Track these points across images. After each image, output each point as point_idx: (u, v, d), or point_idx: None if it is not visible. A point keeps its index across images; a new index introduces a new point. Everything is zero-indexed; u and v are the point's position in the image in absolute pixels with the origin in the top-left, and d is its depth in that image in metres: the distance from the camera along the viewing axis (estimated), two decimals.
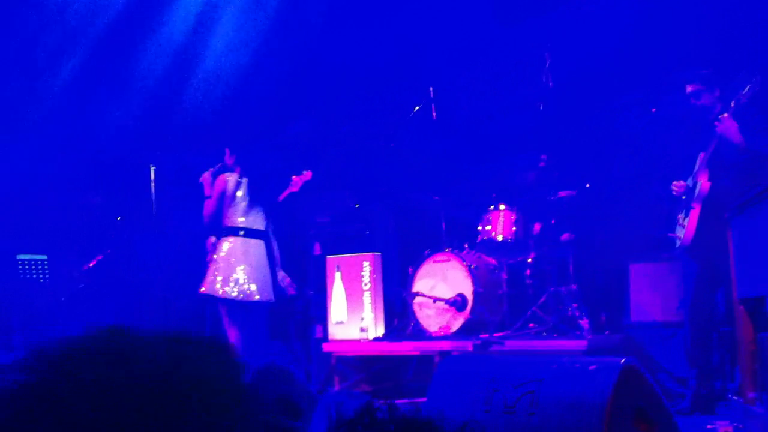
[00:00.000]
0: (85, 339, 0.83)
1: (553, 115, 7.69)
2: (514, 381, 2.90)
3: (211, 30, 9.06)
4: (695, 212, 5.65)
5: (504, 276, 7.22)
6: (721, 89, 5.70)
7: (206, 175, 6.89)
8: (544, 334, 6.70)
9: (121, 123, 9.19)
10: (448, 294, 7.14)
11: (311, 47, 8.92)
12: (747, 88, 5.36)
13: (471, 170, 8.30)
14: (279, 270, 6.96)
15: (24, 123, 9.18)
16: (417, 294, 7.30)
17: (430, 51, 8.75)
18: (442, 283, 7.23)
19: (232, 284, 6.63)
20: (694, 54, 6.44)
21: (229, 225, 6.83)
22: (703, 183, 5.61)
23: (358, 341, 7.52)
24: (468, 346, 6.61)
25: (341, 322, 7.75)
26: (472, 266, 7.11)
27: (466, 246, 7.45)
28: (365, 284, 7.68)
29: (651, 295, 6.78)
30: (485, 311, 7.02)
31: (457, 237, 7.63)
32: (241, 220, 6.80)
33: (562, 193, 7.09)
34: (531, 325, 6.90)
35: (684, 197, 5.80)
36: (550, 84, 7.66)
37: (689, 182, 5.78)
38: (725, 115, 5.48)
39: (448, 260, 7.25)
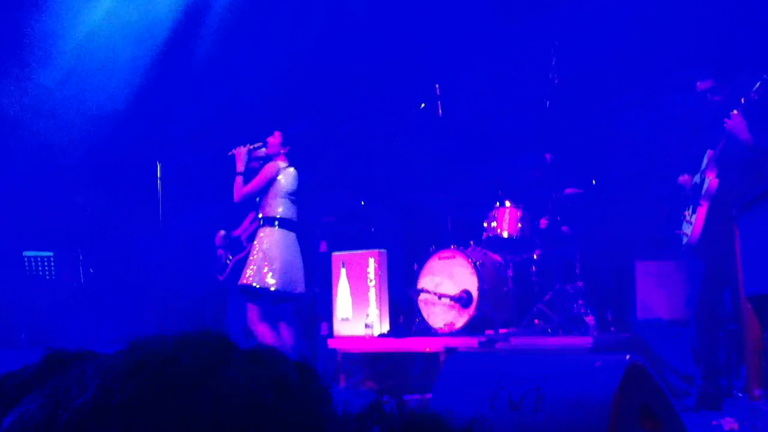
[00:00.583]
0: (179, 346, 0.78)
1: (556, 114, 7.68)
2: (519, 378, 2.90)
3: (210, 30, 9.07)
4: (703, 209, 5.64)
5: (509, 273, 7.21)
6: (731, 85, 5.68)
7: (241, 150, 6.68)
8: (550, 331, 6.70)
9: (122, 123, 9.21)
10: (454, 291, 7.14)
11: (312, 47, 8.92)
12: (758, 85, 5.34)
13: (475, 168, 8.30)
14: None
15: (26, 122, 9.21)
16: (422, 291, 7.30)
17: (433, 51, 8.74)
18: (447, 279, 7.23)
19: (275, 276, 6.46)
20: (694, 54, 6.42)
21: (271, 215, 6.62)
22: (711, 180, 5.60)
23: (363, 338, 7.53)
24: (473, 342, 6.61)
25: (346, 319, 7.76)
26: (478, 263, 7.11)
27: (472, 243, 7.45)
28: (370, 281, 7.69)
29: (657, 293, 6.77)
30: (491, 308, 7.02)
31: (463, 234, 7.63)
32: (280, 210, 6.63)
33: (568, 191, 7.09)
34: (536, 322, 6.90)
35: (691, 194, 5.79)
36: (556, 81, 7.67)
37: (696, 179, 5.77)
38: (735, 112, 5.46)
39: (454, 257, 7.25)
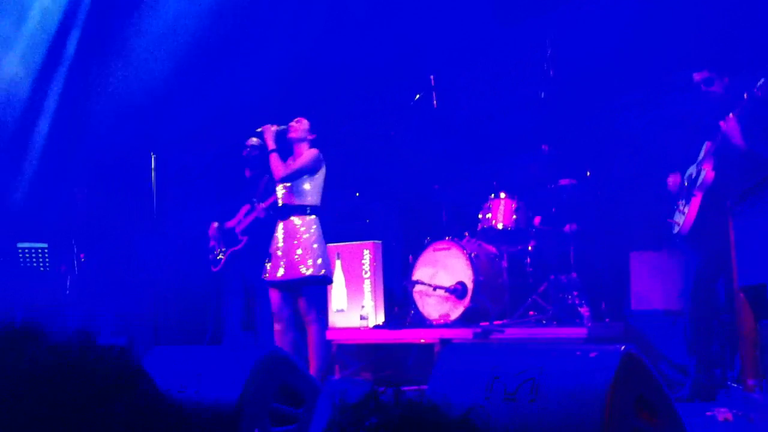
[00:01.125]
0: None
1: (554, 112, 7.69)
2: (515, 369, 2.91)
3: (209, 30, 9.06)
4: (696, 200, 5.65)
5: (504, 264, 7.22)
6: (731, 77, 5.67)
7: (269, 128, 6.49)
8: (544, 322, 6.71)
9: (121, 121, 9.19)
10: (449, 282, 7.15)
11: (312, 46, 8.92)
12: (761, 82, 5.32)
13: (471, 161, 8.30)
14: None
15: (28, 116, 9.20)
16: (417, 282, 7.31)
17: (431, 48, 8.74)
18: (442, 271, 7.23)
19: (326, 262, 6.40)
20: (694, 54, 6.42)
21: (310, 203, 6.46)
22: (707, 172, 5.61)
23: (358, 329, 7.54)
24: (468, 334, 6.62)
25: (341, 311, 7.76)
26: (473, 254, 7.12)
27: (467, 234, 7.46)
28: (365, 272, 7.69)
29: (651, 284, 6.79)
30: (486, 299, 7.03)
31: (458, 225, 7.63)
32: (316, 198, 6.49)
33: (562, 182, 7.10)
34: (531, 313, 6.91)
35: (686, 185, 5.80)
36: (551, 73, 7.67)
37: (692, 170, 5.78)
38: (731, 115, 5.46)
39: (449, 248, 7.26)
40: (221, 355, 4.12)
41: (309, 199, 6.44)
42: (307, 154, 6.44)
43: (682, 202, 5.80)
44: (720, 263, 5.58)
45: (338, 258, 7.80)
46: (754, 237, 4.50)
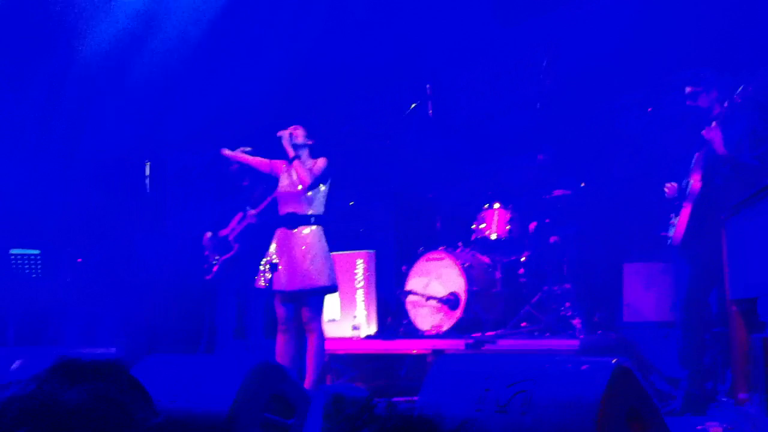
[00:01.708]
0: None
1: (552, 115, 7.71)
2: (507, 380, 2.91)
3: (208, 30, 9.06)
4: (686, 210, 5.67)
5: (498, 275, 7.22)
6: (719, 90, 5.70)
7: (286, 135, 6.37)
8: (537, 333, 6.72)
9: (120, 121, 9.18)
10: (442, 292, 7.15)
11: (311, 47, 8.93)
12: (741, 89, 5.38)
13: (467, 169, 8.31)
14: None
15: (20, 119, 9.17)
16: (410, 292, 7.30)
17: (430, 50, 8.75)
18: (435, 281, 7.23)
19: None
20: (694, 54, 6.44)
21: (316, 213, 6.37)
22: (694, 183, 5.63)
23: (350, 339, 7.52)
24: (461, 345, 6.61)
25: (334, 320, 7.75)
26: (466, 265, 7.12)
27: (460, 244, 7.46)
28: (358, 282, 7.68)
29: (644, 295, 6.79)
30: (479, 310, 7.03)
31: (452, 235, 7.63)
32: (321, 208, 6.42)
33: (557, 192, 7.11)
34: (524, 324, 6.91)
35: (677, 197, 5.82)
36: (547, 82, 7.69)
37: (684, 182, 5.80)
38: (713, 124, 5.50)
39: (442, 258, 7.26)
40: (213, 365, 4.11)
41: (316, 208, 6.40)
42: (320, 161, 6.39)
43: (673, 215, 5.82)
44: (712, 276, 5.59)
45: None
46: (746, 250, 4.52)
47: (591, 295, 7.13)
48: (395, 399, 5.93)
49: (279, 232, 6.40)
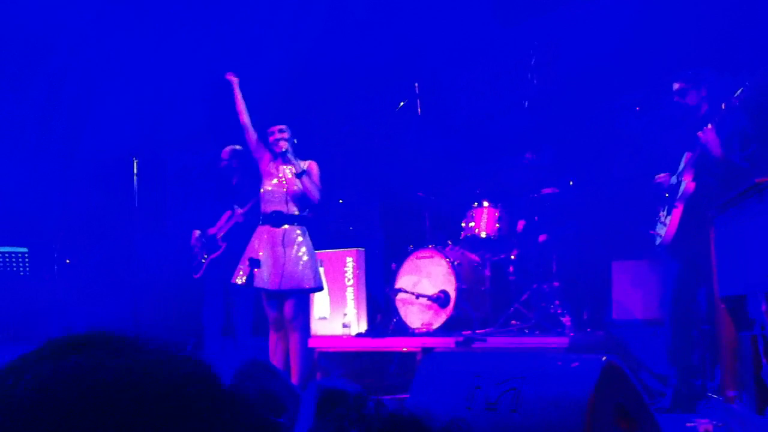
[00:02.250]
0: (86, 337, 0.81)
1: (539, 120, 7.72)
2: (497, 378, 2.91)
3: (208, 31, 9.06)
4: (678, 211, 5.68)
5: (487, 273, 7.23)
6: (708, 89, 5.70)
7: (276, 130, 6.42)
8: (527, 331, 6.73)
9: (119, 121, 9.16)
10: (431, 290, 7.15)
11: (307, 47, 8.93)
12: (740, 91, 5.37)
13: (457, 168, 8.32)
14: None
15: (20, 119, 9.14)
16: (400, 290, 7.30)
17: (423, 49, 8.75)
18: (425, 279, 7.23)
19: (319, 273, 6.45)
20: (694, 54, 6.44)
21: (305, 214, 6.45)
22: (687, 183, 5.64)
23: (340, 337, 7.52)
24: (450, 342, 6.62)
25: (324, 318, 7.74)
26: (456, 263, 7.12)
27: (450, 242, 7.46)
28: (348, 280, 7.67)
29: (633, 293, 6.81)
30: (468, 308, 7.03)
31: (441, 233, 7.64)
32: (306, 210, 6.50)
33: (545, 191, 7.12)
34: (513, 322, 6.92)
35: (667, 194, 5.82)
36: (535, 82, 7.70)
37: (673, 180, 5.81)
38: (709, 126, 5.50)
39: (432, 256, 7.26)
40: None
41: (302, 208, 6.40)
42: (316, 169, 6.44)
43: (663, 213, 5.83)
44: (701, 273, 5.61)
45: (321, 265, 7.77)
46: (734, 248, 4.53)
47: (580, 293, 7.15)
48: (384, 397, 5.94)
49: (262, 230, 6.40)
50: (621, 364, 2.88)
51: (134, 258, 8.49)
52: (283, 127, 6.47)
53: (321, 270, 7.69)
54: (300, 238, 6.31)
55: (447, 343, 6.66)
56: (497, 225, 7.19)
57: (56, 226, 9.23)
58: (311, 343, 7.54)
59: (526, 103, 7.88)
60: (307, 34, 8.89)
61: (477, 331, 6.75)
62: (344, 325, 7.55)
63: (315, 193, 6.33)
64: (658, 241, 5.85)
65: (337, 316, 7.66)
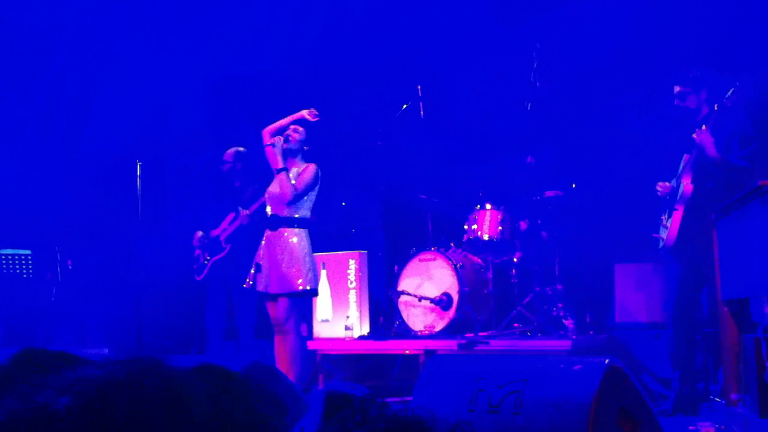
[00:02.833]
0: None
1: (542, 122, 7.72)
2: (499, 381, 2.91)
3: (208, 31, 9.07)
4: (678, 214, 5.67)
5: (490, 275, 7.23)
6: (709, 91, 5.70)
7: (280, 143, 6.30)
8: (529, 333, 6.72)
9: (119, 121, 9.18)
10: (434, 293, 7.15)
11: (310, 48, 8.94)
12: (731, 92, 5.39)
13: (459, 170, 8.31)
14: None
15: (20, 119, 9.16)
16: (402, 293, 7.30)
17: (425, 51, 8.75)
18: (427, 281, 7.23)
19: (314, 275, 6.34)
20: (694, 54, 6.44)
21: (300, 216, 6.34)
22: (686, 185, 5.63)
23: (343, 339, 7.52)
24: (453, 345, 6.62)
25: (326, 320, 7.74)
26: (458, 265, 7.12)
27: (452, 245, 7.46)
28: (351, 282, 7.68)
29: (635, 296, 6.80)
30: (471, 310, 7.03)
31: (444, 236, 7.64)
32: (306, 212, 6.38)
33: (548, 193, 7.11)
34: (516, 324, 6.91)
35: (668, 198, 5.82)
36: (537, 84, 7.70)
37: (673, 183, 5.81)
38: (703, 127, 5.51)
39: (434, 259, 7.26)
40: None
41: (301, 212, 6.39)
42: (308, 171, 6.34)
43: (664, 216, 5.83)
44: (703, 276, 5.61)
45: (324, 268, 7.78)
46: (737, 251, 4.53)
47: (582, 296, 7.15)
48: (388, 399, 5.94)
49: (265, 233, 6.42)
50: (623, 366, 2.88)
51: (135, 258, 8.50)
52: (301, 129, 6.44)
53: (323, 273, 7.70)
54: (293, 240, 6.30)
55: (450, 345, 6.66)
56: (500, 227, 7.18)
57: (58, 228, 9.25)
58: (314, 346, 7.54)
59: (529, 106, 7.89)
60: (308, 35, 8.90)
61: (480, 334, 6.76)
62: (347, 328, 7.55)
63: (287, 192, 6.27)
64: (661, 244, 5.85)
65: (339, 318, 7.66)
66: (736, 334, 4.73)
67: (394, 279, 7.45)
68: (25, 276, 8.70)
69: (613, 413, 2.78)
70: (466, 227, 7.31)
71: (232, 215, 7.68)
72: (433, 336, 7.03)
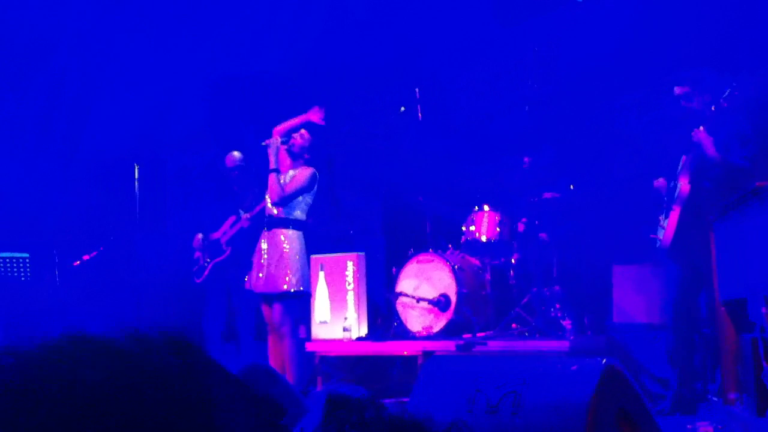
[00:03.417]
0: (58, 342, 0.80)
1: (547, 115, 7.72)
2: (497, 381, 2.92)
3: (208, 31, 9.07)
4: (675, 214, 5.68)
5: (488, 277, 7.24)
6: (712, 93, 5.69)
7: (277, 143, 6.36)
8: (527, 334, 6.73)
9: (119, 121, 9.17)
10: (432, 294, 7.16)
11: (310, 49, 8.95)
12: (727, 92, 5.39)
13: (457, 172, 8.31)
14: None
15: (20, 119, 9.15)
16: (400, 294, 7.31)
17: (426, 50, 8.76)
18: (425, 283, 7.24)
19: (305, 277, 6.41)
20: (694, 54, 6.44)
21: (294, 218, 6.40)
22: (683, 185, 5.64)
23: (341, 341, 7.52)
24: (451, 346, 6.62)
25: (325, 322, 7.74)
26: (456, 267, 7.13)
27: (450, 246, 7.47)
28: (349, 284, 7.68)
29: (634, 297, 6.81)
30: (469, 312, 7.04)
31: (442, 237, 7.64)
32: (300, 213, 6.44)
33: (546, 195, 7.12)
34: (514, 325, 6.92)
35: (665, 198, 5.83)
36: (534, 84, 7.70)
37: (672, 184, 5.81)
38: (701, 128, 5.51)
39: (432, 260, 7.27)
40: None
41: (296, 213, 6.40)
42: (303, 173, 6.35)
43: (662, 217, 5.83)
44: (702, 277, 5.61)
45: (322, 269, 7.78)
46: (735, 251, 4.54)
47: (581, 297, 7.14)
48: (386, 400, 5.94)
49: (261, 234, 6.45)
50: (621, 367, 2.88)
51: (135, 260, 8.49)
52: (308, 136, 6.45)
53: (321, 274, 7.71)
54: (285, 241, 6.31)
55: (448, 346, 6.66)
56: (498, 229, 7.19)
57: (57, 230, 9.23)
58: (312, 347, 7.55)
59: (527, 108, 7.90)
60: (308, 35, 8.90)
61: (478, 335, 6.76)
62: (345, 329, 7.55)
63: (274, 192, 6.29)
64: (658, 244, 5.86)
65: (337, 320, 7.66)
66: (733, 334, 4.74)
67: (392, 280, 7.45)
68: (22, 279, 8.69)
69: (611, 413, 2.78)
70: (464, 229, 7.32)
71: (233, 218, 7.68)
72: (431, 337, 7.03)
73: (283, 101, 8.73)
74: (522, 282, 7.14)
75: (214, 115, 9.26)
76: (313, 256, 7.91)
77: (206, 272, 7.74)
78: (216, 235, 7.74)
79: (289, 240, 6.32)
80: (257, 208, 7.31)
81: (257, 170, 7.22)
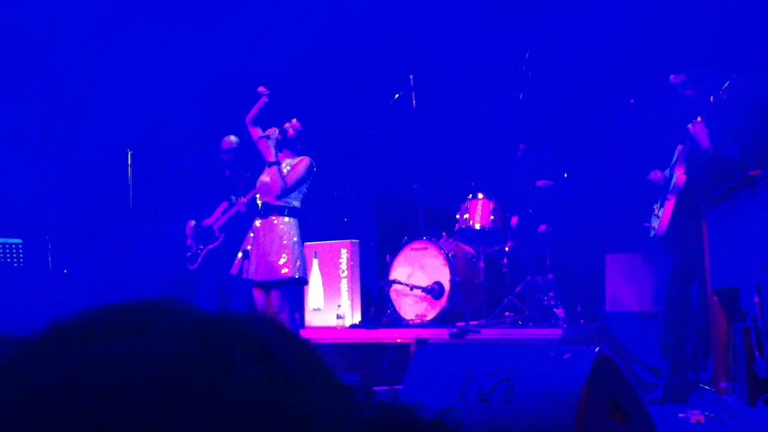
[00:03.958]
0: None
1: (546, 114, 7.73)
2: (490, 369, 2.92)
3: (207, 30, 9.05)
4: (670, 204, 5.70)
5: (481, 265, 7.25)
6: (708, 88, 5.69)
7: (275, 134, 6.27)
8: (520, 322, 6.75)
9: (119, 121, 9.15)
10: (425, 282, 7.17)
11: (308, 45, 8.94)
12: (726, 84, 5.40)
13: (450, 164, 8.31)
14: None
15: (20, 119, 9.13)
16: (394, 282, 7.32)
17: (426, 50, 8.77)
18: (419, 271, 7.25)
19: (303, 264, 6.31)
20: (694, 54, 6.44)
21: (291, 205, 6.34)
22: (679, 176, 5.65)
23: (334, 328, 7.53)
24: (444, 334, 6.64)
25: (318, 309, 7.76)
26: (450, 255, 7.14)
27: (444, 234, 7.48)
28: (342, 271, 7.69)
29: (626, 286, 6.83)
30: (462, 300, 7.05)
31: (435, 225, 7.65)
32: (296, 202, 6.37)
33: (539, 183, 7.13)
34: (507, 313, 6.94)
35: (661, 188, 5.84)
36: (535, 82, 7.71)
37: (667, 173, 5.83)
38: (698, 119, 5.52)
39: (426, 248, 7.27)
40: None
41: (292, 201, 6.39)
42: (301, 165, 6.33)
43: (656, 206, 5.85)
44: (694, 266, 5.63)
45: (315, 257, 7.79)
46: (727, 241, 4.55)
47: (573, 286, 7.17)
48: (379, 388, 5.95)
49: (255, 221, 6.42)
50: (613, 355, 2.89)
51: (135, 258, 8.49)
52: (299, 126, 6.44)
53: (315, 262, 7.71)
54: (283, 228, 6.30)
55: (441, 334, 6.68)
56: (492, 217, 7.20)
57: (52, 219, 9.22)
58: (305, 335, 7.55)
59: (521, 95, 7.89)
60: (308, 35, 8.90)
61: (471, 323, 6.78)
62: (338, 317, 7.56)
63: (276, 186, 6.27)
64: (652, 233, 5.87)
65: (331, 307, 7.67)
66: (725, 323, 4.76)
67: (386, 268, 7.46)
68: (15, 265, 8.67)
69: (602, 402, 2.79)
70: (458, 217, 7.33)
71: (224, 204, 7.67)
72: (424, 325, 7.04)
73: (283, 101, 8.72)
74: (515, 270, 7.16)
75: (214, 114, 9.24)
76: (307, 243, 7.89)
77: (199, 259, 7.73)
78: (208, 221, 7.73)
79: (287, 227, 6.31)
80: (250, 194, 7.30)
81: (246, 157, 7.20)
